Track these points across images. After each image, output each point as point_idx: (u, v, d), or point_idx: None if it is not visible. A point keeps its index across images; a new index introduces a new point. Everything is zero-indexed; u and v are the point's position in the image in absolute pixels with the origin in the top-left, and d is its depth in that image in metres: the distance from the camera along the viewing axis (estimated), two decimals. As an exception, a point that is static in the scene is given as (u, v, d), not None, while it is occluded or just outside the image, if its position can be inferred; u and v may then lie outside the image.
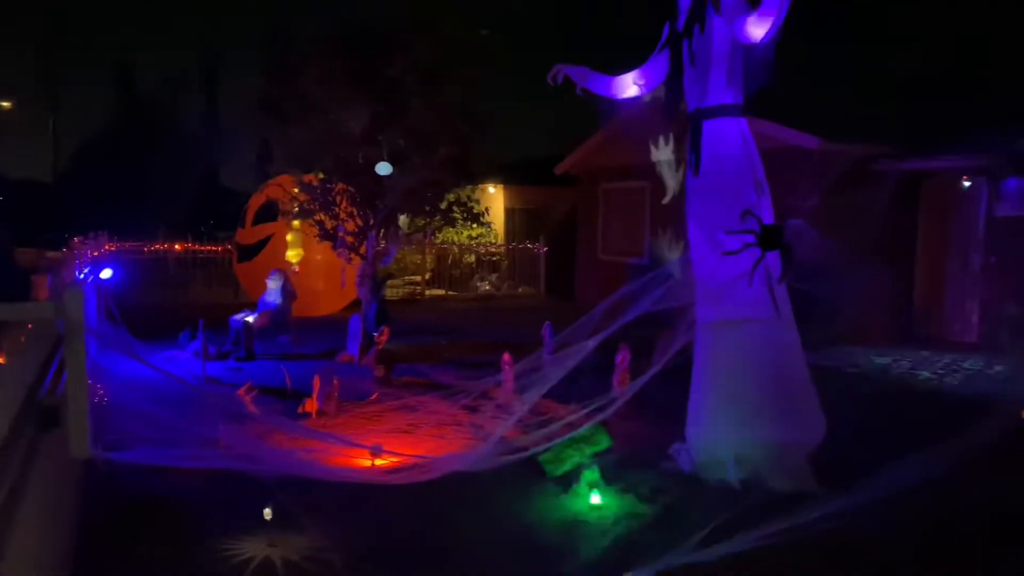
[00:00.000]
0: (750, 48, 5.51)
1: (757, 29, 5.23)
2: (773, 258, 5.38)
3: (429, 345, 11.07)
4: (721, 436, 5.48)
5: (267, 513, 4.61)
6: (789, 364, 5.57)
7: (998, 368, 9.62)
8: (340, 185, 10.74)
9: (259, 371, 9.17)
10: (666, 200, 6.05)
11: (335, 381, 7.16)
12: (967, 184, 11.14)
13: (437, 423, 6.68)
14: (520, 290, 18.57)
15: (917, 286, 11.96)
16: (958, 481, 5.07)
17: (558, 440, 5.49)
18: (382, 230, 10.91)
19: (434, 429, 6.55)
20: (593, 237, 16.65)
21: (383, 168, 9.89)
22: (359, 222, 10.77)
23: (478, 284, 18.43)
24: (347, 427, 6.66)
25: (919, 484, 4.78)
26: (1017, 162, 10.17)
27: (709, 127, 5.73)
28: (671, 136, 6.15)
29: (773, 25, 5.13)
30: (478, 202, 16.81)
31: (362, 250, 10.78)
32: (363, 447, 5.64)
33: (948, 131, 11.05)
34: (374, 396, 7.70)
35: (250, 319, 10.12)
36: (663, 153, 5.94)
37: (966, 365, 9.85)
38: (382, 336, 8.97)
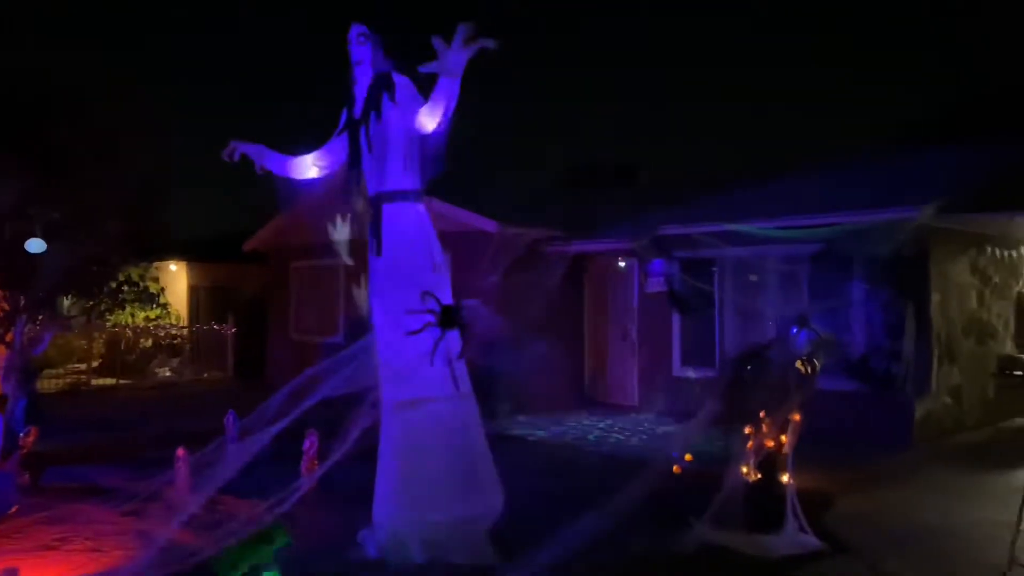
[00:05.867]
0: (426, 137, 5.81)
1: (429, 120, 5.56)
2: (452, 336, 5.61)
3: (92, 443, 9.80)
4: (405, 516, 5.48)
5: None
6: (469, 439, 5.76)
7: (654, 428, 10.83)
8: (-20, 264, 9.33)
9: None
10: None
11: (-38, 495, 6.04)
12: (622, 264, 12.63)
13: (94, 534, 5.87)
14: (205, 375, 17.34)
15: (586, 356, 13.18)
16: (625, 530, 5.56)
17: (234, 540, 5.09)
18: (35, 314, 9.61)
19: (89, 541, 5.74)
20: (285, 316, 16.15)
21: (35, 245, 8.79)
22: (5, 307, 9.41)
23: (156, 370, 16.90)
24: (-25, 550, 5.61)
25: (593, 538, 5.20)
26: (659, 246, 11.76)
27: (389, 210, 5.89)
28: (350, 217, 6.22)
29: (443, 117, 5.49)
30: (156, 280, 15.59)
31: (8, 338, 9.38)
32: (-10, 575, 4.76)
33: (606, 217, 12.52)
34: (14, 509, 6.60)
35: None
36: (341, 233, 5.98)
37: (627, 426, 10.95)
38: (28, 437, 7.78)
